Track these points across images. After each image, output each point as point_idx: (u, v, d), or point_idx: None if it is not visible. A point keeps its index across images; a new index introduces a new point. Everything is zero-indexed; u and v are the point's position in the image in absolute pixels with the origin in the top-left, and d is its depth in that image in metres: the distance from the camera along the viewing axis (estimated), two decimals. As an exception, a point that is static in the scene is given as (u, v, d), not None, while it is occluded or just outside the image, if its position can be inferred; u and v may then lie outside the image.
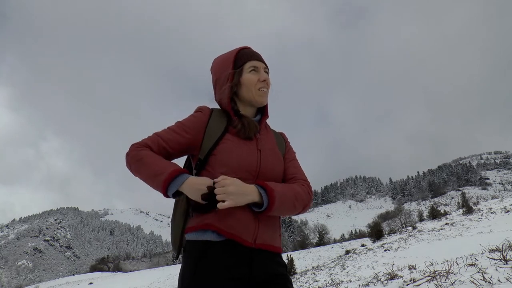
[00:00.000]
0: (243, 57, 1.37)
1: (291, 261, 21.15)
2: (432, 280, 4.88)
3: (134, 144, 1.29)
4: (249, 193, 1.20)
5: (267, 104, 1.44)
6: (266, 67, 1.40)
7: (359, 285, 7.91)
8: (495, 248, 6.02)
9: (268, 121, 1.48)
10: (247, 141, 1.32)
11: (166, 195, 1.21)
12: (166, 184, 1.19)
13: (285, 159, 1.42)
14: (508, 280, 3.74)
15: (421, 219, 39.42)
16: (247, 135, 1.31)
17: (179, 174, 1.20)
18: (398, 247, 17.83)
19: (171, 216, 1.42)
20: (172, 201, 1.39)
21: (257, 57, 1.39)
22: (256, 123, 1.38)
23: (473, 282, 4.01)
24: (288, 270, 1.37)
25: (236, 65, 1.35)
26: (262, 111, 1.44)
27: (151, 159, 1.24)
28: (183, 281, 1.19)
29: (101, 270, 70.52)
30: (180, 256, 1.35)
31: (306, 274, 17.43)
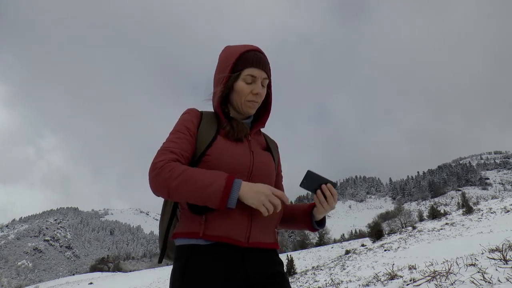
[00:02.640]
0: (244, 62, 1.31)
1: (291, 261, 21.13)
2: (432, 280, 4.88)
3: (160, 161, 1.19)
4: None
5: (267, 114, 1.42)
6: (267, 77, 1.35)
7: (359, 285, 7.92)
8: (495, 248, 6.02)
9: (268, 121, 1.47)
10: (239, 143, 1.31)
11: (224, 205, 1.12)
12: (227, 192, 1.12)
13: (277, 173, 1.43)
14: (508, 280, 3.74)
15: (421, 219, 39.43)
16: (236, 136, 1.30)
17: (235, 179, 1.15)
18: (398, 247, 17.82)
19: (159, 221, 1.40)
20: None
21: (258, 64, 1.32)
22: (246, 125, 1.37)
23: (473, 282, 4.01)
24: (288, 270, 1.38)
25: (234, 69, 1.31)
26: (256, 115, 1.43)
27: (193, 171, 1.16)
28: (174, 283, 1.18)
29: (101, 270, 70.53)
30: (171, 258, 1.34)
31: (306, 274, 17.42)
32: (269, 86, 1.40)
